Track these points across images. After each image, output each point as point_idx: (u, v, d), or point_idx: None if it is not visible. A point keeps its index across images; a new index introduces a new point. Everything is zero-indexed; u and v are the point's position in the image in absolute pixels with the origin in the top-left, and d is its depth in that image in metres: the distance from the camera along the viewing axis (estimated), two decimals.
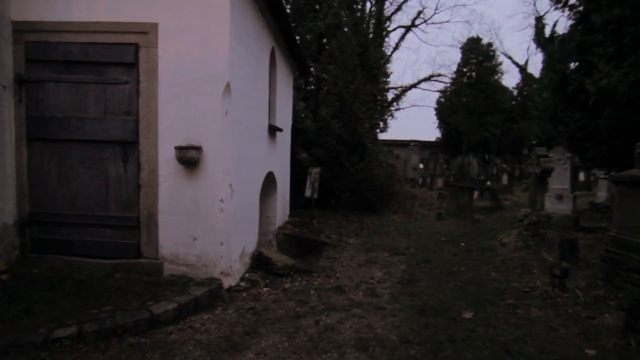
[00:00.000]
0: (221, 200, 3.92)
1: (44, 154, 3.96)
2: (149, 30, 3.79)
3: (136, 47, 3.82)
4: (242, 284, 4.28)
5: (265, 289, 4.28)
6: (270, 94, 6.25)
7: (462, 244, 6.71)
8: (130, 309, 3.18)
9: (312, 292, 4.28)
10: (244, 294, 4.04)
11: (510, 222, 7.71)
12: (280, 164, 6.94)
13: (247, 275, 4.52)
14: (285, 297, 4.08)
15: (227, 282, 4.01)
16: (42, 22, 3.83)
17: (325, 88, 11.70)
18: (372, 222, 8.81)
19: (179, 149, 3.71)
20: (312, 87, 13.10)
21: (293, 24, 13.16)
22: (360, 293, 4.30)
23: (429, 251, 6.29)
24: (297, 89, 11.74)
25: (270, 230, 6.71)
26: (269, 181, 6.45)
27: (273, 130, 6.11)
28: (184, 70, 3.84)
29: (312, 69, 13.10)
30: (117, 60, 3.83)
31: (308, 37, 13.27)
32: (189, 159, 3.71)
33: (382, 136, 17.17)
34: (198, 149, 3.78)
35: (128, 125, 3.87)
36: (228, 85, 3.84)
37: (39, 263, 3.97)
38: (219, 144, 3.88)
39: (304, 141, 11.04)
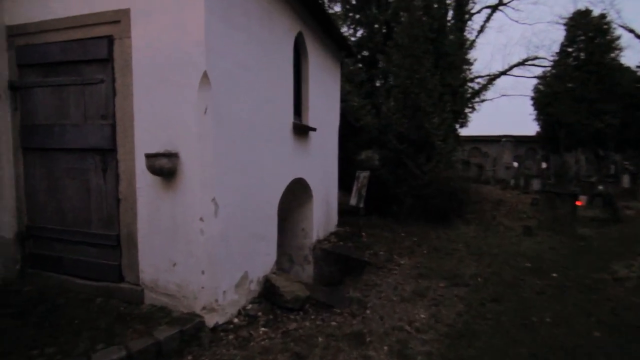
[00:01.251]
0: (201, 219, 3.17)
1: (35, 164, 3.73)
2: (121, 18, 3.23)
3: (109, 39, 3.30)
4: (236, 320, 3.48)
5: (263, 329, 3.41)
6: (299, 87, 5.39)
7: (554, 275, 4.92)
8: (71, 355, 2.61)
9: (320, 339, 3.27)
10: (232, 337, 3.23)
11: (632, 243, 5.53)
12: (318, 167, 6.02)
13: (248, 307, 3.72)
14: (282, 344, 3.16)
15: (212, 319, 3.25)
16: (28, 24, 3.57)
17: (389, 80, 10.40)
18: (438, 235, 7.30)
19: (148, 156, 3.07)
20: (379, 82, 11.90)
21: (357, 15, 12.27)
22: (385, 348, 3.14)
23: (503, 284, 4.70)
24: (359, 84, 10.72)
25: (306, 245, 5.85)
26: (300, 189, 5.58)
27: (302, 129, 5.22)
28: (158, 60, 3.19)
29: (379, 62, 11.95)
30: (92, 57, 3.36)
31: (375, 26, 12.12)
32: (159, 168, 3.04)
33: (465, 132, 14.94)
34: (171, 156, 3.09)
35: (105, 131, 3.38)
36: (206, 75, 3.07)
37: (35, 279, 3.75)
38: (197, 150, 3.14)
39: (366, 140, 9.94)
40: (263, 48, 3.98)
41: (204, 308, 3.23)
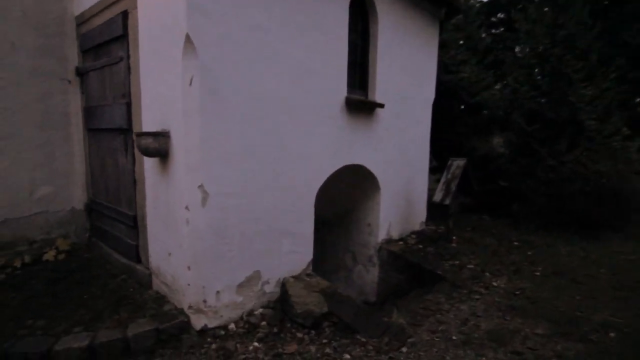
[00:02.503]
0: (186, 208, 2.78)
1: (92, 144, 4.04)
2: None
3: (124, 14, 3.18)
4: (233, 326, 3.02)
5: (255, 345, 2.85)
6: (364, 53, 4.44)
7: None
8: (50, 332, 2.62)
9: None
10: (215, 346, 2.78)
11: None
12: (392, 152, 4.96)
13: (257, 312, 3.22)
14: None
15: (199, 321, 2.88)
16: (85, 12, 3.80)
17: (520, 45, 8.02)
18: (570, 251, 5.22)
19: (136, 136, 2.83)
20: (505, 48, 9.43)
21: None
22: None
23: None
24: (473, 50, 8.68)
25: (371, 243, 4.99)
26: (359, 178, 4.70)
27: (362, 106, 4.29)
28: (155, 31, 2.89)
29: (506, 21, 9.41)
30: (114, 35, 3.32)
31: None
32: (144, 148, 2.77)
33: None
34: (158, 135, 2.77)
35: (123, 110, 3.33)
36: (189, 40, 2.59)
37: (95, 248, 4.15)
38: (182, 128, 2.73)
39: (483, 122, 8.04)
40: (293, 4, 3.26)
41: (190, 307, 2.88)
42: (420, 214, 5.86)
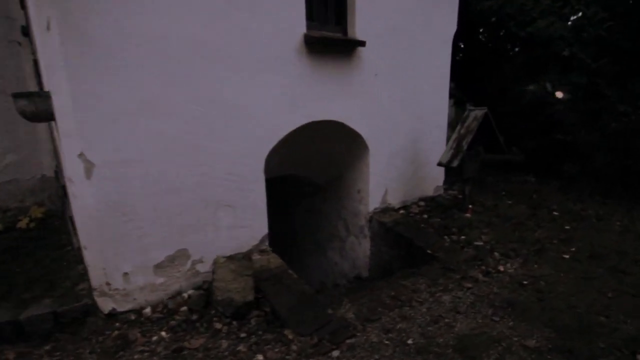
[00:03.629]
0: (70, 180, 2.39)
1: None
2: None
3: None
4: (148, 311, 2.69)
5: (162, 334, 2.48)
6: None
7: None
8: None
9: None
10: (115, 334, 2.48)
11: None
12: (387, 105, 4.03)
13: (184, 295, 2.86)
14: None
15: (106, 305, 2.59)
16: None
17: None
18: (623, 226, 3.93)
19: (13, 97, 2.43)
20: None
21: None
22: None
23: None
24: None
25: (362, 212, 4.30)
26: (341, 138, 3.92)
27: (334, 45, 3.41)
28: None
29: None
30: None
31: None
32: (21, 112, 2.37)
33: None
34: (32, 96, 2.35)
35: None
36: None
37: (66, 216, 4.11)
38: (51, 85, 2.26)
39: (535, 61, 6.40)
40: None
41: (95, 290, 2.59)
42: (434, 178, 4.90)
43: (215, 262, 2.89)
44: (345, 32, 3.65)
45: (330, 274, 5.09)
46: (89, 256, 2.51)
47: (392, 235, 3.98)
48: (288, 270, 3.08)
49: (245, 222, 3.15)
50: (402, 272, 3.52)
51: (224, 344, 2.41)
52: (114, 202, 2.47)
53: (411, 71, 4.18)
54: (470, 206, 4.41)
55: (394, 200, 4.47)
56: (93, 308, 2.59)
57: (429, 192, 4.90)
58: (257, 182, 3.15)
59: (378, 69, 3.86)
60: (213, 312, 2.72)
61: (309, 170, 4.53)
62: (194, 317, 2.65)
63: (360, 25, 3.60)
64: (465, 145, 3.97)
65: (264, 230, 3.30)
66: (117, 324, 2.56)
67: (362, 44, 3.56)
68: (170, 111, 2.59)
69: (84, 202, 2.39)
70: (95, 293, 2.58)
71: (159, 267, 2.74)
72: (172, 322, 2.59)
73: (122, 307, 2.62)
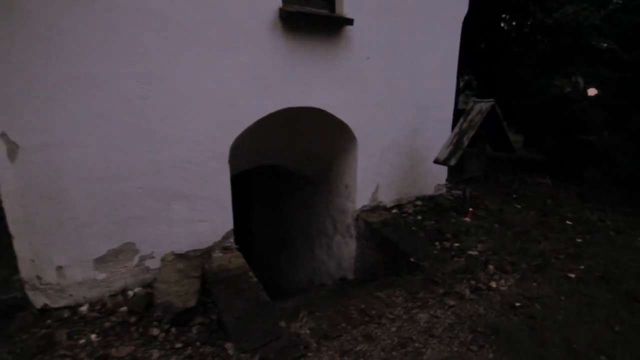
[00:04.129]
0: None
1: None
2: None
3: None
4: (85, 309, 2.45)
5: (90, 338, 2.23)
6: None
7: None
8: None
9: None
10: (42, 332, 2.25)
11: None
12: (380, 92, 3.61)
13: (129, 293, 2.60)
14: None
15: (39, 300, 2.37)
16: None
17: None
18: None
19: None
20: None
21: None
22: None
23: None
24: None
25: (349, 210, 3.94)
26: (324, 127, 3.54)
27: (315, 22, 3.01)
28: None
29: None
30: None
31: None
32: None
33: None
34: None
35: None
36: None
37: None
38: None
39: (565, 50, 5.76)
40: None
41: (26, 283, 2.36)
42: (435, 175, 4.45)
43: (162, 260, 2.61)
44: (333, 9, 3.24)
45: (317, 273, 4.77)
46: (17, 246, 2.28)
47: (378, 237, 3.60)
48: (248, 272, 2.77)
49: (205, 216, 2.86)
50: (379, 281, 3.17)
51: (155, 354, 2.13)
52: (44, 189, 2.22)
53: (410, 56, 3.73)
54: (470, 209, 3.95)
55: (387, 198, 4.07)
56: (24, 302, 2.37)
57: (429, 190, 4.47)
58: (220, 173, 2.84)
59: (370, 51, 3.43)
60: (155, 314, 2.45)
61: (294, 161, 4.19)
62: (132, 319, 2.39)
63: (350, 2, 3.18)
64: (466, 141, 3.51)
65: (229, 225, 3.00)
66: (49, 322, 2.34)
67: (350, 22, 3.14)
68: (109, 89, 2.30)
69: (9, 187, 2.15)
70: (26, 286, 2.37)
71: (100, 261, 2.49)
72: (107, 324, 2.34)
73: (55, 303, 2.40)
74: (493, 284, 2.84)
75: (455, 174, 4.43)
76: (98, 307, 2.47)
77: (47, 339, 2.20)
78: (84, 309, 2.44)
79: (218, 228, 2.95)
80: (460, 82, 6.77)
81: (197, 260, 2.66)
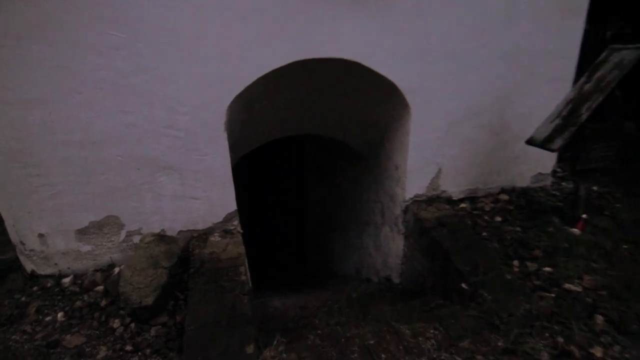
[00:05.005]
0: None
1: None
2: None
3: None
4: (68, 280, 2.29)
5: (56, 317, 2.05)
6: None
7: None
8: None
9: None
10: (22, 301, 2.16)
11: None
12: (451, 38, 2.53)
13: (115, 270, 2.37)
14: None
15: (28, 264, 2.30)
16: None
17: None
18: None
19: None
20: None
21: None
22: None
23: None
24: None
25: (397, 197, 3.10)
26: (364, 89, 2.67)
27: None
28: None
29: None
30: None
31: None
32: None
33: None
34: None
35: None
36: None
37: None
38: None
39: None
40: None
41: (16, 247, 2.30)
42: (537, 160, 3.17)
43: (141, 240, 2.28)
44: None
45: (364, 264, 4.07)
46: (1, 208, 2.19)
47: (428, 239, 2.68)
48: (240, 267, 2.27)
49: (199, 193, 2.41)
50: (406, 305, 2.33)
51: (102, 352, 1.83)
52: (13, 151, 2.03)
53: None
54: (583, 216, 2.66)
55: (453, 187, 3.04)
56: (17, 265, 2.34)
57: (522, 181, 3.23)
58: (215, 142, 2.31)
59: None
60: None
61: (336, 132, 3.42)
62: (103, 302, 2.15)
63: None
64: (585, 112, 2.23)
65: (230, 206, 2.51)
66: (35, 289, 2.26)
67: None
68: (73, 38, 1.91)
69: None
70: (17, 250, 2.31)
71: (82, 233, 2.29)
72: (78, 303, 2.14)
73: (42, 270, 2.31)
74: (597, 353, 1.74)
75: (569, 162, 3.06)
76: (79, 282, 2.30)
77: (21, 309, 2.11)
78: (67, 280, 2.29)
79: (217, 208, 2.49)
80: (606, 32, 4.76)
81: (174, 246, 2.26)
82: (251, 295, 2.14)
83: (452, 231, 2.64)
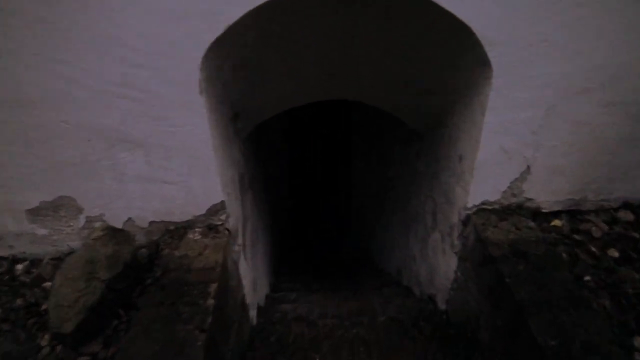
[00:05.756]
0: None
1: None
2: None
3: None
4: (21, 267, 1.91)
5: None
6: None
7: None
8: None
9: None
10: None
11: None
12: None
13: None
14: None
15: None
16: None
17: None
18: None
19: None
20: None
21: None
22: None
23: None
24: None
25: (456, 201, 2.22)
26: (422, 34, 1.73)
27: None
28: None
29: None
30: None
31: None
32: None
33: None
34: None
35: None
36: None
37: None
38: None
39: None
40: None
41: None
42: None
43: (89, 234, 1.76)
44: None
45: (407, 268, 3.29)
46: None
47: (491, 275, 1.79)
48: (210, 285, 1.65)
49: (172, 177, 1.80)
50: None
51: None
52: None
53: None
54: None
55: (545, 195, 2.04)
56: None
57: None
58: (188, 108, 1.63)
59: None
60: None
61: (377, 98, 2.52)
62: (45, 305, 1.72)
63: None
64: None
65: (215, 196, 1.88)
66: None
67: None
68: None
69: None
70: None
71: (34, 214, 1.85)
72: (18, 302, 1.75)
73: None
74: None
75: None
76: (33, 270, 1.91)
77: None
78: (20, 267, 1.92)
79: (198, 197, 1.87)
80: None
81: (129, 247, 1.70)
82: (213, 330, 1.53)
83: (535, 268, 1.71)
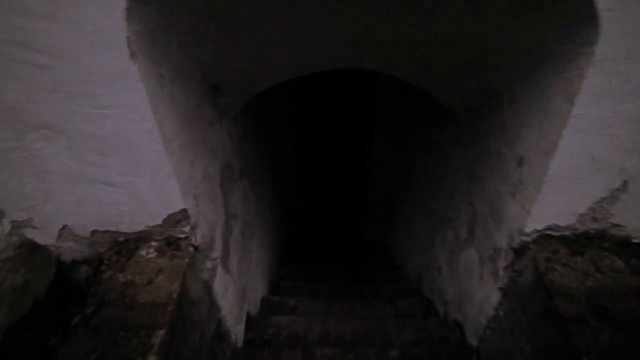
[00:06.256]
0: None
1: None
2: None
3: None
4: None
5: None
6: None
7: None
8: None
9: None
10: None
11: None
12: None
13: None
14: None
15: None
16: None
17: None
18: None
19: None
20: None
21: None
22: None
23: None
24: None
25: (507, 219, 1.61)
26: None
27: None
28: None
29: None
30: None
31: None
32: None
33: None
34: None
35: None
36: None
37: None
38: None
39: None
40: None
41: None
42: None
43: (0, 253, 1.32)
44: None
45: (430, 278, 2.76)
46: None
47: (553, 337, 1.23)
48: (156, 332, 1.19)
49: (111, 176, 1.31)
50: None
51: None
52: None
53: None
54: None
55: None
56: None
57: None
58: (119, 82, 1.10)
59: None
60: None
61: (407, 69, 1.88)
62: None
63: None
64: None
65: (174, 203, 1.38)
66: None
67: None
68: None
69: None
70: None
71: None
72: None
73: None
74: None
75: None
76: None
77: None
78: None
79: (149, 204, 1.38)
80: None
81: (44, 273, 1.25)
82: None
83: (628, 338, 1.14)
